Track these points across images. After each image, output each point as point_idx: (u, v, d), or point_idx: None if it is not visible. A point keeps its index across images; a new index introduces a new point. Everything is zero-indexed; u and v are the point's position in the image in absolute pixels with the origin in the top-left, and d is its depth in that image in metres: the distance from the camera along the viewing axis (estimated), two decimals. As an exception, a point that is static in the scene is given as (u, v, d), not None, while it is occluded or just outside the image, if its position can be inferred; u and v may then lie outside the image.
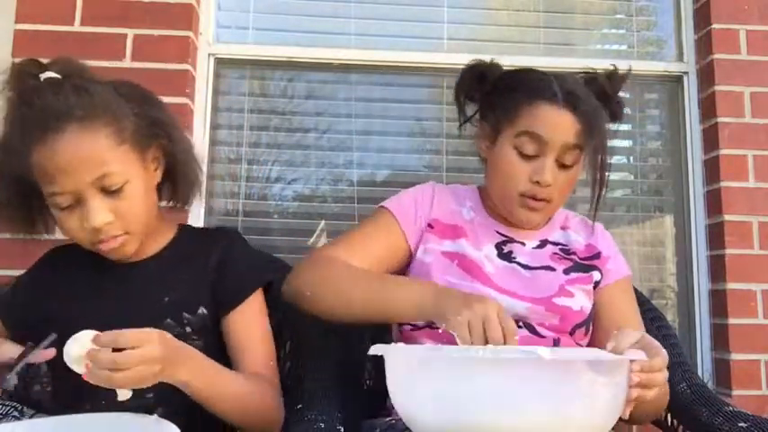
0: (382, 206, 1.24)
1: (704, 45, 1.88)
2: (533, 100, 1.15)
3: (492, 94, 1.23)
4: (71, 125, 0.98)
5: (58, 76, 1.03)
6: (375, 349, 0.87)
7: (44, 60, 1.06)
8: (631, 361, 0.84)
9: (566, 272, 1.21)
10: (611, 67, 1.26)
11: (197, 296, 1.13)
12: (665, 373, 0.90)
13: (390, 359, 0.87)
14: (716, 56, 1.84)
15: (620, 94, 1.26)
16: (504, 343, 0.92)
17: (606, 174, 1.18)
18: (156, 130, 1.09)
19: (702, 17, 1.90)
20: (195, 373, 0.96)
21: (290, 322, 1.24)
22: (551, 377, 0.76)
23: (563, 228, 1.29)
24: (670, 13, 1.98)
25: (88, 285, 1.13)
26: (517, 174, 1.16)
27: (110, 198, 1.02)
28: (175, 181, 1.17)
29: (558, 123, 1.14)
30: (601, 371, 0.78)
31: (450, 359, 0.83)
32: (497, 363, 0.78)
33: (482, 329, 0.93)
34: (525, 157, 1.15)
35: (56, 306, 1.11)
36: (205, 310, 1.12)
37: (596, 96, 1.19)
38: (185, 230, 1.23)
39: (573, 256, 1.24)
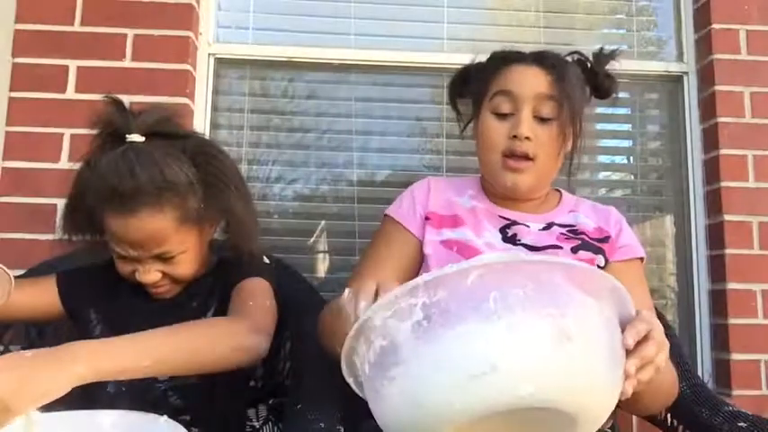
0: (386, 214, 1.27)
1: (704, 45, 1.88)
2: (504, 65, 1.22)
3: (474, 81, 1.28)
4: (142, 208, 1.01)
5: (142, 138, 1.05)
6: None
7: (134, 112, 1.07)
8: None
9: (573, 250, 1.18)
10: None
11: (212, 301, 1.16)
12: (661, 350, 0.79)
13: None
14: (716, 56, 1.84)
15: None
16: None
17: (582, 125, 1.20)
18: (217, 214, 1.11)
19: (702, 17, 1.90)
20: (94, 356, 0.84)
21: (290, 322, 1.24)
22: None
23: (572, 211, 1.27)
24: (670, 13, 1.98)
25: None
26: (497, 134, 1.19)
27: (163, 263, 1.08)
28: (232, 234, 1.16)
29: (527, 76, 1.19)
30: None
31: None
32: None
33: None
34: (502, 116, 1.19)
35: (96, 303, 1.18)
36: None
37: (583, 72, 1.27)
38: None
39: (582, 236, 1.21)
